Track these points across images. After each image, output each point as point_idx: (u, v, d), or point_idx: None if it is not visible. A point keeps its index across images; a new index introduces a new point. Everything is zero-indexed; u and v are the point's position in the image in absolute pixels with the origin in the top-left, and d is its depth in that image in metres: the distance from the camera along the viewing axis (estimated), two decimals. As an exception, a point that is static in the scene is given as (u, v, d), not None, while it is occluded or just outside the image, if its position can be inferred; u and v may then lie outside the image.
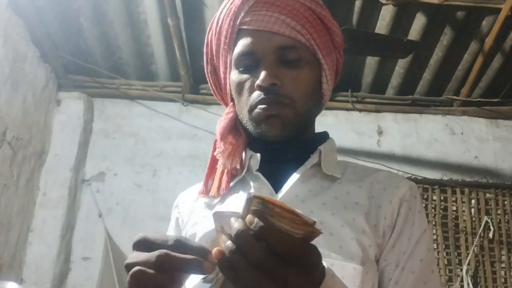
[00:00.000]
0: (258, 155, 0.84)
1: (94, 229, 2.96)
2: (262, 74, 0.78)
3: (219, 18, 0.87)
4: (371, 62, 3.12)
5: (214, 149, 0.88)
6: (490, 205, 3.25)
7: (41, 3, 2.74)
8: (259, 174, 0.83)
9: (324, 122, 2.93)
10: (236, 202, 0.82)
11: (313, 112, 0.86)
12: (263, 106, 0.80)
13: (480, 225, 3.16)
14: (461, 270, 3.04)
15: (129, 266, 0.53)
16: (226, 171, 0.86)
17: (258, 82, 0.78)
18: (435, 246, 3.10)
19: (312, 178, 0.83)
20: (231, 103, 0.88)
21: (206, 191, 0.87)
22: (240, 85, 0.83)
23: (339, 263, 0.71)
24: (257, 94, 0.80)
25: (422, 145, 3.29)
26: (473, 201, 3.25)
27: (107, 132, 3.22)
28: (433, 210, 3.21)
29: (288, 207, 0.47)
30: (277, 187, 0.81)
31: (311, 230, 0.47)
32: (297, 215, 0.47)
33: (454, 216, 3.22)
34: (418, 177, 3.15)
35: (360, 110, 3.33)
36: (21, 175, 2.77)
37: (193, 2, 2.76)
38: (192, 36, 2.91)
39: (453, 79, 3.21)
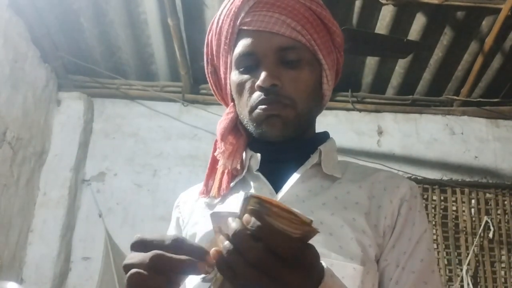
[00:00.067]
0: (259, 155, 0.84)
1: (94, 229, 2.96)
2: (263, 74, 0.78)
3: (219, 18, 0.87)
4: (371, 62, 3.12)
5: (215, 150, 0.88)
6: (490, 205, 3.25)
7: (41, 3, 2.74)
8: (260, 174, 0.83)
9: (324, 122, 2.91)
10: (237, 202, 0.82)
11: (313, 112, 0.86)
12: (263, 106, 0.80)
13: (480, 225, 3.16)
14: (461, 270, 3.04)
15: (126, 267, 0.53)
16: (226, 171, 0.86)
17: (258, 82, 0.79)
18: (435, 246, 3.11)
19: (312, 178, 0.83)
20: (232, 103, 0.88)
21: (206, 191, 0.87)
22: (240, 86, 0.83)
23: (339, 263, 0.71)
24: (257, 95, 0.80)
25: (422, 145, 3.29)
26: (473, 201, 3.25)
27: (107, 132, 3.22)
28: (433, 210, 3.21)
29: (285, 207, 0.47)
30: (277, 187, 0.81)
31: (309, 229, 0.47)
32: (294, 214, 0.47)
33: (454, 216, 3.22)
34: (418, 177, 3.15)
35: (360, 110, 3.33)
36: (21, 175, 2.77)
37: (193, 2, 2.76)
38: (192, 36, 2.91)
39: (453, 79, 3.21)
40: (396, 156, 3.25)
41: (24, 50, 2.78)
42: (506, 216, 3.23)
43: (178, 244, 0.53)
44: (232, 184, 0.86)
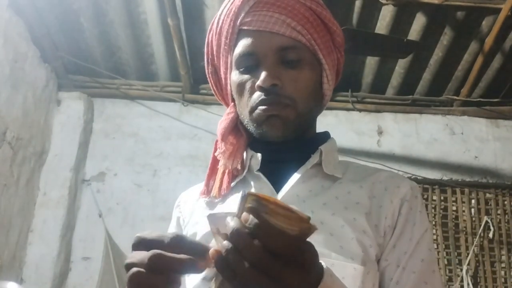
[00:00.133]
0: (259, 155, 0.84)
1: (94, 229, 2.96)
2: (263, 74, 0.78)
3: (219, 18, 0.87)
4: (371, 62, 3.12)
5: (215, 150, 0.88)
6: (490, 205, 3.25)
7: (41, 3, 2.74)
8: (260, 174, 0.83)
9: (324, 122, 2.90)
10: (237, 202, 0.82)
11: (314, 112, 0.86)
12: (264, 107, 0.80)
13: (480, 225, 3.16)
14: (461, 270, 3.04)
15: (127, 267, 0.53)
16: (227, 171, 0.86)
17: (258, 83, 0.78)
18: (435, 246, 3.10)
19: (313, 178, 0.83)
20: (232, 103, 0.88)
21: (207, 192, 0.87)
22: (240, 86, 0.83)
23: (340, 263, 0.71)
24: (257, 95, 0.80)
25: (422, 145, 3.29)
26: (473, 201, 3.25)
27: (107, 132, 3.22)
28: (433, 210, 3.21)
29: (283, 204, 0.47)
30: (278, 187, 0.81)
31: (306, 227, 0.47)
32: (292, 211, 0.47)
33: (454, 216, 3.22)
34: (418, 177, 3.15)
35: (360, 110, 3.33)
36: (21, 175, 2.77)
37: (193, 2, 2.76)
38: (192, 36, 2.91)
39: (453, 79, 3.21)
40: (396, 156, 3.25)
41: (24, 50, 2.78)
42: (506, 216, 3.23)
43: (178, 242, 0.53)
44: (232, 184, 0.85)
